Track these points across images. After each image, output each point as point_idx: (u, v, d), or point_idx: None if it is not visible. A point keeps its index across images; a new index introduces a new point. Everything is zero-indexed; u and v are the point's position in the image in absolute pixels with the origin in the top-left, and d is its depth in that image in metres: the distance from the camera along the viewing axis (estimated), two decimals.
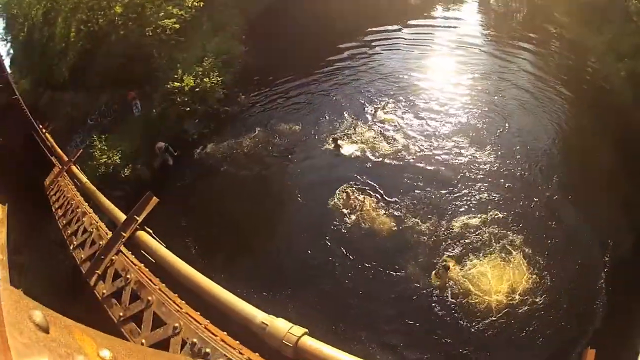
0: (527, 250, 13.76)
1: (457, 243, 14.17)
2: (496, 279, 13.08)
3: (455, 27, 25.61)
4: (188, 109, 19.45)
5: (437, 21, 26.33)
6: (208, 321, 4.66)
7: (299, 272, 14.11)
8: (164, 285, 5.42)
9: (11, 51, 26.26)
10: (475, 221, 14.82)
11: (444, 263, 13.31)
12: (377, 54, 23.80)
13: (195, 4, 21.74)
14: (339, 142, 17.36)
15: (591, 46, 21.57)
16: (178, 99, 19.32)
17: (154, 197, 6.45)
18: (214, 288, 4.96)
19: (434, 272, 13.23)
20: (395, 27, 25.34)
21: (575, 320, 12.21)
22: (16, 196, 14.12)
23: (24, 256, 15.44)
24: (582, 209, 15.23)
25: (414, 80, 21.51)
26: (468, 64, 22.50)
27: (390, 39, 24.79)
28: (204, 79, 20.00)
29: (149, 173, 18.30)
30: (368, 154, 17.42)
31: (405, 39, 24.56)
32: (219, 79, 20.43)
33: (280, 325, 4.09)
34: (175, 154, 18.56)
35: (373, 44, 24.48)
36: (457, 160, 17.05)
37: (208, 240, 14.92)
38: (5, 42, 26.40)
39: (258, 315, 4.34)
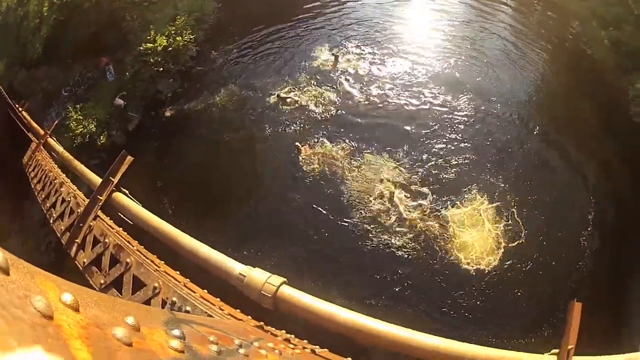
0: (505, 198, 14.35)
1: (431, 186, 14.82)
2: (471, 230, 13.71)
3: None
4: (161, 69, 19.27)
5: None
6: (187, 279, 4.63)
7: (270, 224, 14.44)
8: (142, 247, 5.35)
9: None
10: (451, 164, 15.43)
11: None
12: (351, 1, 23.58)
13: None
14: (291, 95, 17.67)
15: (574, 10, 21.47)
16: (151, 59, 19.08)
17: (129, 156, 6.25)
18: (192, 243, 4.87)
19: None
20: None
21: (560, 276, 12.87)
22: None
23: (10, 241, 15.35)
24: (560, 163, 15.81)
25: (390, 26, 21.49)
26: (448, 12, 22.50)
27: None
28: (177, 38, 19.76)
29: (125, 137, 18.13)
30: (336, 104, 17.59)
31: None
32: (191, 37, 20.26)
33: (258, 276, 4.04)
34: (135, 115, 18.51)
35: None
36: (432, 107, 17.32)
37: (184, 198, 15.08)
38: None
39: (236, 267, 4.28)
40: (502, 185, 14.86)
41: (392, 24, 21.60)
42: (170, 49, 19.34)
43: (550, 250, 13.48)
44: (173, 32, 19.74)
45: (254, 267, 4.22)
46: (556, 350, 4.54)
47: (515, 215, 14.06)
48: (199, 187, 15.43)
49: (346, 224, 13.95)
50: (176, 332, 1.49)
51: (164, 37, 19.31)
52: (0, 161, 13.81)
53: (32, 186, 10.91)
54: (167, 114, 18.29)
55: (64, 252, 6.82)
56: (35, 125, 13.98)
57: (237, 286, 4.16)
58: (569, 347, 4.37)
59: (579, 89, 18.32)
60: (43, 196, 9.40)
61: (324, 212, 14.26)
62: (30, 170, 11.80)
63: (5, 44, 23.76)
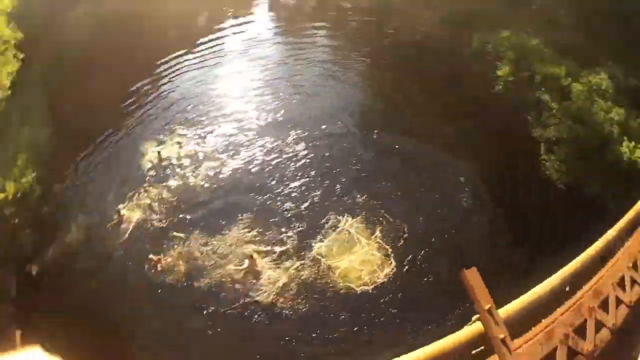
0: (369, 208, 15.30)
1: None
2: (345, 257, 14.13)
3: (245, 30, 27.04)
4: (17, 220, 16.90)
5: (227, 31, 27.34)
6: None
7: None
8: None
9: None
10: (303, 205, 15.98)
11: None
12: (167, 83, 23.77)
13: (5, 93, 19.06)
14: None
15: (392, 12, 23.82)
16: (6, 212, 16.72)
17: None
18: None
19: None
20: (183, 51, 25.48)
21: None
22: None
23: None
24: (410, 153, 17.51)
25: (209, 96, 22.05)
26: (263, 58, 23.81)
27: (179, 64, 24.85)
28: (22, 180, 17.54)
29: (13, 306, 15.38)
30: (177, 197, 17.25)
31: (195, 58, 25.02)
32: (33, 174, 17.95)
33: None
34: None
35: (163, 75, 24.39)
36: (267, 160, 17.89)
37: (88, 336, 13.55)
38: None
39: None
40: (360, 198, 15.78)
41: (210, 93, 22.16)
42: (19, 195, 17.21)
43: (434, 232, 14.64)
44: (18, 174, 17.68)
45: None
46: (476, 316, 5.06)
47: (387, 217, 14.99)
48: (95, 323, 14.16)
49: (230, 312, 13.79)
50: None
51: (12, 182, 17.24)
52: None
53: None
54: (36, 267, 16.42)
55: None
56: None
57: None
58: (486, 307, 4.91)
59: (409, 78, 20.41)
60: None
61: (203, 311, 13.93)
62: None
63: None
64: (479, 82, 19.29)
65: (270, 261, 14.51)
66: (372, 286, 13.32)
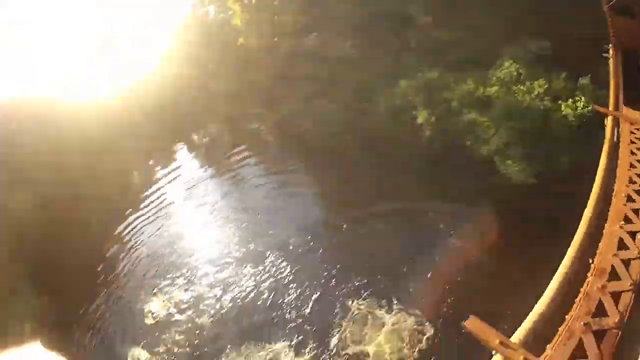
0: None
1: None
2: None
3: (177, 177, 28.13)
4: None
5: (162, 182, 28.20)
6: None
7: None
8: None
9: None
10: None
11: None
12: (133, 244, 23.78)
13: None
14: None
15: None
16: None
17: None
18: None
19: None
20: (135, 215, 25.71)
21: None
22: None
23: None
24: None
25: (174, 246, 22.50)
26: (206, 197, 25.23)
27: (135, 227, 24.87)
28: None
29: None
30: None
31: (145, 215, 25.47)
32: None
33: None
34: None
35: (125, 239, 24.36)
36: (256, 285, 18.51)
37: None
38: None
39: None
40: (357, 281, 16.68)
41: (175, 242, 22.72)
42: None
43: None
44: None
45: None
46: (494, 353, 5.07)
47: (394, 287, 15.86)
48: None
49: None
50: None
51: None
52: None
53: None
54: None
55: None
56: None
57: None
58: (497, 341, 4.95)
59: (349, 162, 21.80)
60: None
61: None
62: None
63: None
64: (407, 136, 19.87)
65: None
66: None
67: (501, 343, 5.12)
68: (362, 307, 15.58)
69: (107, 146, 28.25)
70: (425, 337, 13.92)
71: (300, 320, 16.22)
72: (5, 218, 24.70)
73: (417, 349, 13.74)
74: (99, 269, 22.70)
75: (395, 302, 15.33)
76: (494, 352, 5.35)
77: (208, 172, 27.82)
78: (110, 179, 27.39)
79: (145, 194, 27.07)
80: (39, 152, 26.97)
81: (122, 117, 30.09)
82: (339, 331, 15.19)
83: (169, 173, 28.78)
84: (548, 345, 5.90)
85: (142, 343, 18.17)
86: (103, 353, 18.84)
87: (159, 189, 27.51)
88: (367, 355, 14.10)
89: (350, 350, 14.39)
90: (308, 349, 15.13)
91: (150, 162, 30.40)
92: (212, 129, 31.37)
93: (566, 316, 6.15)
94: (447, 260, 16.68)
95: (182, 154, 30.91)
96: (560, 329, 5.99)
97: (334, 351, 14.69)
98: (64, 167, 26.39)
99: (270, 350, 15.67)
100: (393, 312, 14.99)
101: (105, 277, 22.37)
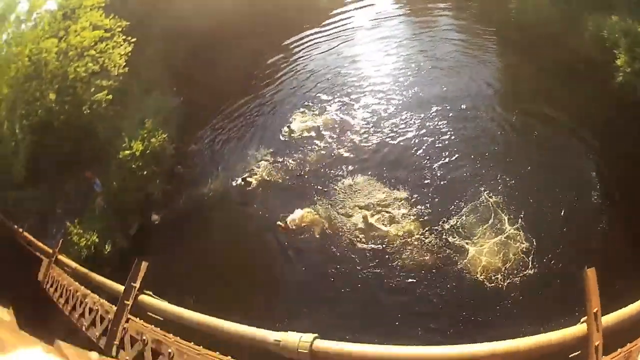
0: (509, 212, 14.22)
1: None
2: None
3: (368, 9, 26.87)
4: (145, 172, 19.82)
5: (351, 12, 27.22)
6: (229, 357, 5.18)
7: (288, 297, 14.57)
8: (177, 337, 5.87)
9: None
10: (445, 180, 15.69)
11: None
12: (301, 57, 24.68)
13: (121, 71, 22.02)
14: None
15: None
16: (133, 165, 19.68)
17: (144, 262, 7.00)
18: (225, 324, 5.54)
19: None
20: (312, 31, 26.15)
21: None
22: (17, 298, 14.41)
23: None
24: (545, 146, 16.21)
25: (344, 68, 22.37)
26: (393, 36, 23.57)
27: (309, 41, 25.61)
28: (151, 140, 20.44)
29: (129, 243, 18.64)
30: (312, 164, 17.96)
31: (325, 35, 25.53)
32: (164, 136, 20.92)
33: (292, 337, 4.65)
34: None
35: (294, 51, 25.35)
36: (408, 134, 17.64)
37: (199, 285, 15.22)
38: None
39: (270, 335, 4.88)
40: (500, 183, 15.12)
41: (346, 66, 22.58)
42: (148, 151, 20.06)
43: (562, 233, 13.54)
44: (145, 135, 20.50)
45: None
46: (585, 318, 4.86)
47: (521, 214, 14.11)
48: (208, 275, 15.79)
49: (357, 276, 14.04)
50: None
51: (139, 142, 20.08)
52: (19, 281, 14.29)
53: (55, 299, 11.45)
54: (162, 213, 19.01)
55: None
56: (40, 244, 14.58)
57: (275, 351, 4.78)
58: (594, 310, 4.72)
59: (533, 65, 19.07)
60: (69, 308, 10.04)
61: (335, 268, 14.41)
62: (48, 286, 12.41)
63: None
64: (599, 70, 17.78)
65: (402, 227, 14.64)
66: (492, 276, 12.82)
67: (595, 314, 4.69)
68: (490, 201, 14.50)
69: None
70: (526, 270, 12.67)
71: (430, 185, 15.58)
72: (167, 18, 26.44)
73: (512, 276, 12.61)
74: (255, 71, 24.23)
75: (522, 221, 13.90)
76: (584, 318, 4.79)
77: (403, 9, 26.47)
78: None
79: (331, 13, 26.98)
80: None
81: None
82: (457, 214, 14.44)
83: (360, 5, 27.92)
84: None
85: (270, 150, 19.31)
86: (226, 151, 20.72)
87: (347, 11, 27.15)
88: (466, 252, 13.39)
89: (452, 239, 13.76)
90: (421, 213, 14.72)
91: None
92: None
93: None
94: None
95: None
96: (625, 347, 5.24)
97: (439, 230, 14.13)
98: None
99: (390, 195, 15.55)
100: (514, 227, 13.67)
101: (257, 81, 23.78)
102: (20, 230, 16.55)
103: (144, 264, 7.00)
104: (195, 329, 5.86)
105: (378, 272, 13.77)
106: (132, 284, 6.94)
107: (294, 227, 15.90)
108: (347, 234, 15.05)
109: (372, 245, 14.41)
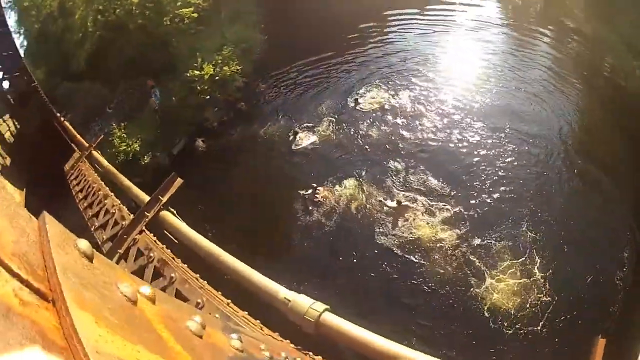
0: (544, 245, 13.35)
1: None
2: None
3: (474, 11, 25.37)
4: (208, 97, 19.55)
5: (456, 6, 25.91)
6: (229, 300, 4.80)
7: (314, 255, 14.30)
8: (185, 265, 5.50)
9: (24, 43, 26.18)
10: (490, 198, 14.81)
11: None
12: (395, 32, 24.04)
13: None
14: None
15: (607, 40, 21.03)
16: (198, 87, 19.42)
17: (179, 178, 6.54)
18: (238, 265, 5.01)
19: None
20: (414, 10, 25.19)
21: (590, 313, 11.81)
22: (34, 182, 14.42)
23: None
24: (598, 202, 14.85)
25: (433, 57, 21.57)
26: (490, 42, 22.56)
27: (408, 20, 24.78)
28: (224, 68, 20.04)
29: (169, 161, 18.52)
30: (388, 137, 17.36)
31: (424, 20, 24.57)
32: (238, 67, 20.46)
33: (303, 301, 4.16)
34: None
35: (391, 24, 24.66)
36: (472, 141, 16.93)
37: (224, 224, 15.00)
38: (17, 35, 25.92)
39: (281, 291, 4.41)
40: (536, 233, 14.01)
41: (435, 55, 21.69)
42: (217, 78, 19.71)
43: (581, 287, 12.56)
44: (220, 61, 20.11)
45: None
46: None
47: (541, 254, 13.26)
48: (239, 214, 15.56)
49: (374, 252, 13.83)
50: (234, 335, 1.57)
51: (211, 66, 19.72)
52: (42, 166, 14.32)
53: (74, 193, 11.23)
54: (212, 141, 18.71)
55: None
56: (78, 136, 14.37)
57: (280, 309, 4.31)
58: None
59: (614, 122, 17.67)
60: (85, 205, 9.73)
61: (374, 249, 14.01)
62: (72, 178, 12.19)
63: (46, 53, 24.36)
64: None
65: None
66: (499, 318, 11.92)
67: None
68: (529, 236, 13.54)
69: None
70: (535, 327, 12.24)
71: (477, 199, 14.81)
72: None
73: (520, 327, 12.30)
74: (346, 31, 23.55)
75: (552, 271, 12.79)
76: None
77: (507, 21, 24.99)
78: None
79: (431, 6, 25.72)
80: None
81: None
82: (490, 237, 13.62)
83: (465, 4, 26.20)
84: None
85: (335, 112, 18.90)
86: (292, 100, 20.42)
87: (452, 4, 25.86)
88: (483, 281, 12.61)
89: (476, 261, 13.11)
90: (458, 225, 14.03)
91: None
92: None
93: None
94: None
95: None
96: None
97: (467, 247, 13.48)
98: None
99: (435, 197, 14.97)
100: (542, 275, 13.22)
101: (345, 42, 23.17)
102: (62, 118, 16.41)
103: (179, 180, 6.58)
104: (205, 263, 5.40)
105: (395, 266, 13.31)
106: (159, 196, 6.48)
107: (329, 194, 15.46)
108: (380, 220, 14.49)
109: (400, 239, 13.87)
